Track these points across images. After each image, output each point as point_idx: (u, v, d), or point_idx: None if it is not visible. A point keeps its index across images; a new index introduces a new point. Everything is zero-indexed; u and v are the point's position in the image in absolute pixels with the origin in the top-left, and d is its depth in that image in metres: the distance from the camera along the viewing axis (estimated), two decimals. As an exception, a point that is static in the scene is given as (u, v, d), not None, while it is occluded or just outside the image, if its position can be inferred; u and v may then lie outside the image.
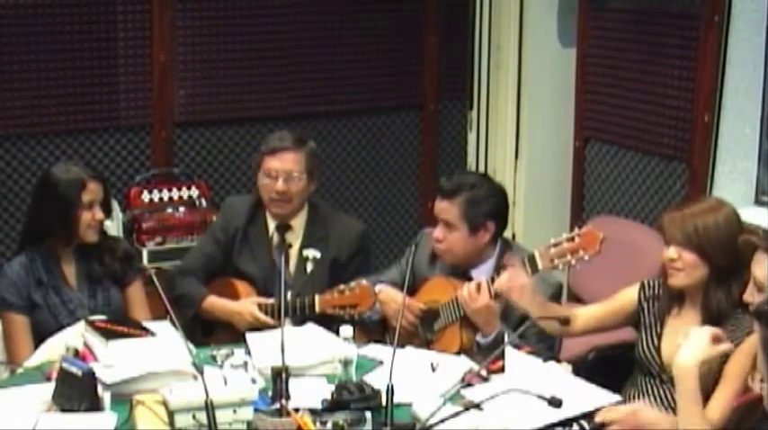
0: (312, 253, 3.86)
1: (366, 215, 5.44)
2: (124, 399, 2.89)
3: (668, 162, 4.67)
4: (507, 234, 3.75)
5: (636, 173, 4.86)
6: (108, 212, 3.68)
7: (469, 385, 3.00)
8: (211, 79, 5.06)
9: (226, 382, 2.82)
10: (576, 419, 2.83)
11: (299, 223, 3.90)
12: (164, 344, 3.12)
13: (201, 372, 2.74)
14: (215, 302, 3.81)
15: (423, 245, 3.70)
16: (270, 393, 2.94)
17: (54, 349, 3.27)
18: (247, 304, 3.75)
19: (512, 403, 2.72)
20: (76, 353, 3.17)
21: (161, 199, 4.93)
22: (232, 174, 5.16)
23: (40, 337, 3.46)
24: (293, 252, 3.88)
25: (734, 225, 3.08)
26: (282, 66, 5.17)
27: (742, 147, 4.49)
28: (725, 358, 2.88)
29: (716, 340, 2.78)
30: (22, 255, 3.63)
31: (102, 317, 3.43)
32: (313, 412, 2.80)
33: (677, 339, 3.12)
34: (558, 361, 3.32)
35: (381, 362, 3.21)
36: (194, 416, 2.71)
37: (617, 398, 2.99)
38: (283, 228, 3.90)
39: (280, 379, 2.87)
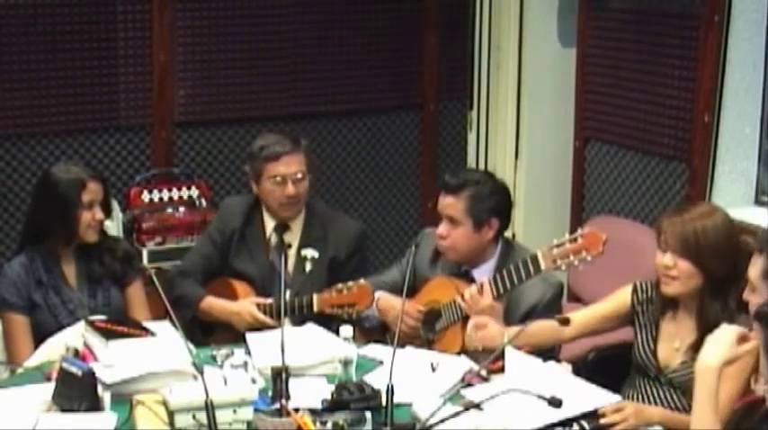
0: (310, 252, 3.85)
1: (366, 215, 5.44)
2: (124, 399, 2.89)
3: (668, 162, 4.66)
4: (507, 234, 3.73)
5: (636, 173, 4.86)
6: (108, 212, 3.68)
7: (469, 385, 3.00)
8: (211, 79, 5.06)
9: (226, 382, 2.82)
10: (576, 419, 2.82)
11: (297, 223, 3.91)
12: (164, 345, 3.12)
13: (201, 372, 2.74)
14: (213, 303, 3.80)
15: (424, 245, 3.69)
16: (270, 393, 2.93)
17: (54, 349, 3.27)
18: (246, 304, 3.75)
19: (512, 403, 2.71)
20: (76, 353, 3.17)
21: (161, 199, 4.93)
22: (232, 174, 5.16)
23: (40, 337, 3.46)
24: (291, 252, 3.88)
25: (731, 234, 3.05)
26: (282, 66, 5.17)
27: (742, 147, 4.49)
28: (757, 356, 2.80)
29: (741, 340, 2.70)
30: (22, 255, 3.63)
31: (102, 317, 3.43)
32: (313, 412, 2.80)
33: (673, 343, 3.13)
34: (558, 361, 3.31)
35: (381, 362, 3.21)
36: (194, 416, 2.71)
37: (617, 398, 2.98)
38: (282, 228, 3.90)
39: (280, 379, 2.86)
